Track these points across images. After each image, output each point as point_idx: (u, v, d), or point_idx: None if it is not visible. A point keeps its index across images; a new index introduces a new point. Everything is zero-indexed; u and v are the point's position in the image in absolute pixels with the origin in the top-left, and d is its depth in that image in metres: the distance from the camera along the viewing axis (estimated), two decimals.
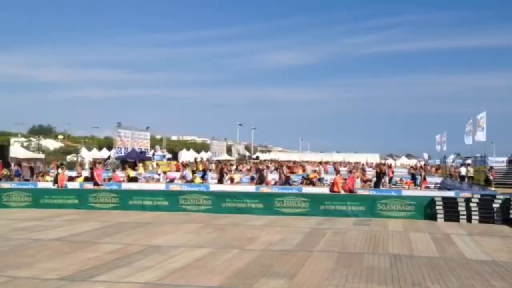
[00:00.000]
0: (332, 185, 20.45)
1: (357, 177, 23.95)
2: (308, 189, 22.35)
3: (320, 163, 52.96)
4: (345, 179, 21.07)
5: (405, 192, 21.77)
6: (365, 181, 26.91)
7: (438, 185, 32.21)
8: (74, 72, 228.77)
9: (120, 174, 31.07)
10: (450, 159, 63.01)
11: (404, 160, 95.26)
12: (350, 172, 24.14)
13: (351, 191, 20.00)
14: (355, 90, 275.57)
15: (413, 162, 79.70)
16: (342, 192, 19.43)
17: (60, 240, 12.28)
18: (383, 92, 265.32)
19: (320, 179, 30.44)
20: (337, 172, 26.11)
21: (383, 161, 70.17)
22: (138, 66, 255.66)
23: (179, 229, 14.31)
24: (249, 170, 39.69)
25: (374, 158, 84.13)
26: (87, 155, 61.40)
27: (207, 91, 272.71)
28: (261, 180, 27.64)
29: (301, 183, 29.54)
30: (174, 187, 24.47)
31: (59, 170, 25.02)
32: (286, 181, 28.06)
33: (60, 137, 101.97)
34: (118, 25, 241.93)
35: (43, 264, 9.44)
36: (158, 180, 30.97)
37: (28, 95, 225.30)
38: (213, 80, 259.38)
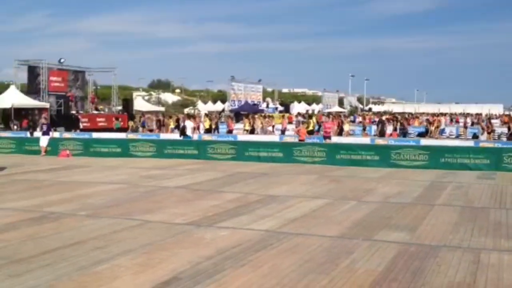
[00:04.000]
0: None
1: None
2: (426, 141, 21.52)
3: (438, 115, 50.66)
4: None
5: None
6: (489, 132, 25.34)
7: None
8: (189, 28, 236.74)
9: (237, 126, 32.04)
10: None
11: None
12: None
13: None
14: (476, 37, 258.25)
15: None
16: None
17: (184, 188, 12.98)
18: (506, 38, 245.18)
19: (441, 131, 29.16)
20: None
21: (507, 112, 65.52)
22: (250, 19, 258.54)
23: (294, 180, 14.51)
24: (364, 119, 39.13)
25: (497, 109, 78.88)
26: (203, 108, 63.74)
27: (317, 42, 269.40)
28: (382, 133, 26.92)
29: (418, 135, 28.54)
30: (288, 138, 24.73)
31: (300, 124, 26.19)
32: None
33: (177, 91, 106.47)
34: None
35: (171, 209, 10.06)
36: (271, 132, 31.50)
37: (148, 51, 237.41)
38: (324, 31, 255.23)
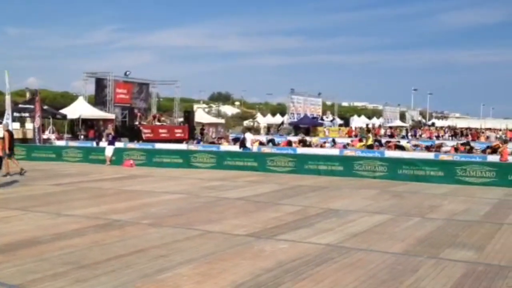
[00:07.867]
0: None
1: None
2: (493, 158, 20.69)
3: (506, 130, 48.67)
4: None
5: None
6: None
7: None
8: (250, 41, 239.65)
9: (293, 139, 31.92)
10: None
11: None
12: None
13: None
14: None
15: None
16: None
17: (243, 199, 13.04)
18: None
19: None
20: None
21: None
22: (311, 32, 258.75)
23: (355, 194, 14.29)
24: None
25: None
26: (262, 120, 64.09)
27: (379, 56, 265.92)
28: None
29: (483, 151, 27.47)
30: (348, 152, 24.43)
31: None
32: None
33: (237, 103, 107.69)
34: None
35: (231, 220, 10.12)
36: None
37: (209, 64, 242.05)
38: (386, 44, 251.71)
